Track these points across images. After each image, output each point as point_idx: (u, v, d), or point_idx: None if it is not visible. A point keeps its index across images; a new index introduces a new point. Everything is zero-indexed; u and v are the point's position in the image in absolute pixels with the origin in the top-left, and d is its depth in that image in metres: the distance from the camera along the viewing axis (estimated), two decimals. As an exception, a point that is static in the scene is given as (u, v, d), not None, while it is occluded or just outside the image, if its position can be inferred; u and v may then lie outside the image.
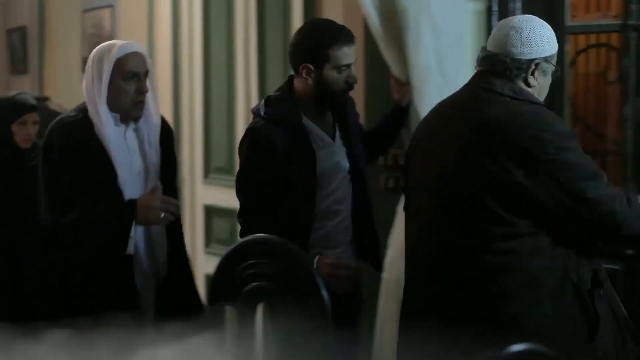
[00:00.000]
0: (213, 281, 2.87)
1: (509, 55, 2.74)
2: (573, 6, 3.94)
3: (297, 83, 3.40)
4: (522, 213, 2.65)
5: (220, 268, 2.84)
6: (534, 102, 2.75)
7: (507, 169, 2.62)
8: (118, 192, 3.23)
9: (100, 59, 3.26)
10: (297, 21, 4.85)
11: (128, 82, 3.25)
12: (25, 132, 4.57)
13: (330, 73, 3.30)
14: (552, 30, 2.82)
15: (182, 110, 5.96)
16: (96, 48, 3.33)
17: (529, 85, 2.77)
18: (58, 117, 3.39)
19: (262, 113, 3.37)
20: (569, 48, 3.84)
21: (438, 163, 2.79)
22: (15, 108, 4.58)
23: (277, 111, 3.36)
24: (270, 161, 3.28)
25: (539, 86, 2.81)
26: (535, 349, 2.06)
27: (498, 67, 2.76)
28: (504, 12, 3.80)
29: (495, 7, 3.90)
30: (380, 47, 3.72)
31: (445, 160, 2.75)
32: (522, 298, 2.66)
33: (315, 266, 3.09)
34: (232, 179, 5.41)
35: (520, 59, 2.74)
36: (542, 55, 2.76)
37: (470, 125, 2.73)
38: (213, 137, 5.74)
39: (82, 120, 3.27)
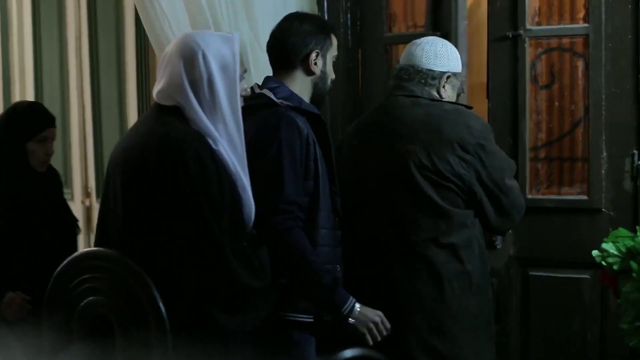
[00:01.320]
0: (47, 298, 2.83)
1: (425, 66, 3.08)
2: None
3: (291, 77, 3.06)
4: (459, 204, 2.99)
5: (54, 284, 2.80)
6: (452, 103, 3.10)
7: (445, 160, 2.96)
8: None
9: None
10: (129, 29, 4.82)
11: None
12: (43, 153, 3.65)
13: (329, 63, 3.10)
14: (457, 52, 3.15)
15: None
16: None
17: (440, 96, 3.07)
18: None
19: (279, 100, 2.97)
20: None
21: (376, 164, 3.06)
22: (34, 121, 3.65)
23: (298, 99, 3.01)
24: (308, 153, 2.94)
25: (448, 99, 3.09)
26: (368, 354, 2.13)
27: (414, 76, 3.09)
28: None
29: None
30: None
31: (383, 162, 3.04)
32: (457, 287, 3.00)
33: (352, 318, 2.83)
34: (68, 192, 5.37)
35: (435, 70, 3.09)
36: (453, 70, 3.11)
37: (398, 127, 3.05)
38: (47, 148, 5.63)
39: None
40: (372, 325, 2.84)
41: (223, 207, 2.66)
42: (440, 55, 3.12)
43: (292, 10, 3.54)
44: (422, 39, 3.19)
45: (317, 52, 3.04)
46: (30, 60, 5.67)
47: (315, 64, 3.05)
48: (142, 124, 2.82)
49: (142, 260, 2.66)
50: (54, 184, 3.80)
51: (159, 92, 2.75)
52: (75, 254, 2.81)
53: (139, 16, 4.59)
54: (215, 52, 2.70)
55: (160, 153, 2.64)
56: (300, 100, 3.02)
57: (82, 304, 2.75)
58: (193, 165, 2.61)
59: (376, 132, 3.15)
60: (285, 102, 2.96)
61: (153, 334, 2.66)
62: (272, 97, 2.97)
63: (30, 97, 5.68)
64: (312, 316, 2.95)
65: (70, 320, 2.79)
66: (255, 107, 2.93)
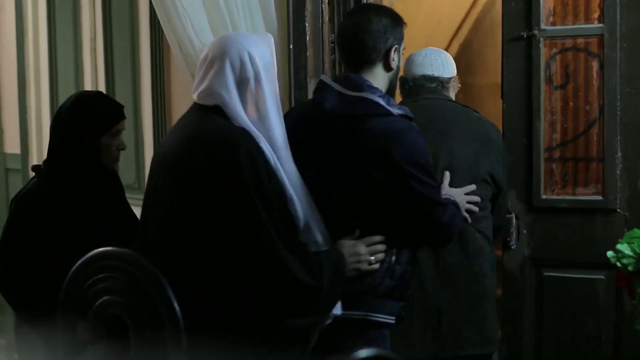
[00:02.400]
0: (63, 297, 2.84)
1: (437, 74, 3.59)
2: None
3: (372, 74, 2.98)
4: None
5: (69, 284, 2.81)
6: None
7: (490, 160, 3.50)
8: None
9: None
10: (144, 30, 4.84)
11: None
12: (115, 148, 3.37)
13: (398, 57, 3.04)
14: None
15: (29, 122, 5.86)
16: None
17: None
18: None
19: (390, 107, 2.91)
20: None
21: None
22: (108, 112, 3.37)
23: (403, 108, 2.98)
24: None
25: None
26: (383, 354, 2.13)
27: (434, 82, 3.60)
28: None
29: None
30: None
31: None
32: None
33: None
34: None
35: (444, 77, 3.61)
36: (455, 75, 3.66)
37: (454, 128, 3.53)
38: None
39: None
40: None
41: (273, 202, 2.67)
42: (446, 63, 3.64)
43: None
44: (420, 51, 3.64)
45: (396, 47, 2.99)
46: (45, 61, 5.70)
47: (393, 59, 3.00)
48: (186, 124, 2.83)
49: (192, 260, 2.68)
50: (120, 185, 3.57)
51: (202, 92, 2.76)
52: (90, 253, 2.81)
53: (153, 17, 4.64)
54: (259, 52, 2.74)
55: (212, 151, 2.66)
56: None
57: (96, 303, 2.76)
58: (244, 160, 2.62)
59: (440, 134, 3.44)
60: (397, 111, 2.92)
61: (167, 334, 2.67)
62: (386, 105, 2.90)
63: (45, 98, 5.72)
64: (394, 317, 2.98)
65: (85, 320, 2.80)
66: (364, 115, 2.89)
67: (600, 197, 3.76)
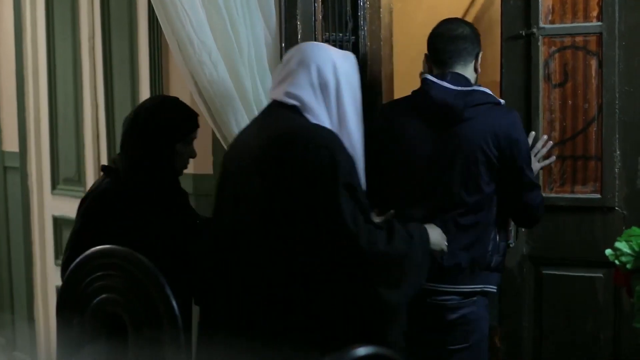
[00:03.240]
0: (61, 295, 2.84)
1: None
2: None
3: (470, 74, 3.45)
4: None
5: (67, 282, 2.81)
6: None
7: None
8: None
9: None
10: (142, 29, 4.83)
11: None
12: (187, 156, 3.39)
13: None
14: None
15: (28, 121, 5.85)
16: None
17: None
18: None
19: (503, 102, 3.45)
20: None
21: None
22: (186, 119, 3.37)
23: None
24: None
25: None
26: (381, 352, 2.13)
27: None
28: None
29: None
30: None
31: None
32: None
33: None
34: (81, 190, 5.39)
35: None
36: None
37: None
38: (61, 148, 5.65)
39: None
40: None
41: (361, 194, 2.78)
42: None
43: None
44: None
45: (481, 53, 3.44)
46: (43, 60, 5.69)
47: (479, 62, 3.46)
48: (267, 120, 2.97)
49: (278, 251, 2.75)
50: (184, 191, 3.57)
51: (287, 92, 2.90)
52: (88, 251, 2.81)
53: (152, 15, 4.62)
54: (343, 65, 2.93)
55: (301, 144, 2.77)
56: None
57: (94, 301, 2.76)
58: (338, 155, 2.75)
59: None
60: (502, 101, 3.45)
61: (166, 332, 2.67)
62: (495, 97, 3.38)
63: (43, 97, 5.71)
64: (495, 287, 3.46)
65: (83, 318, 2.80)
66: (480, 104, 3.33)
67: (598, 196, 3.76)
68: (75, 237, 3.33)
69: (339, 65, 2.91)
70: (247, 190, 2.84)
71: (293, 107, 2.88)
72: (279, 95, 2.92)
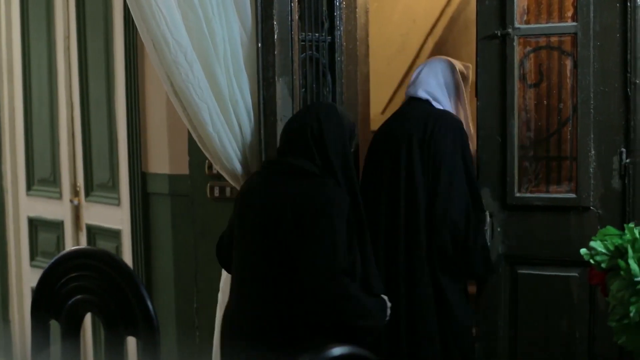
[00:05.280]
0: (35, 296, 2.82)
1: None
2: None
3: None
4: None
5: (42, 283, 2.80)
6: None
7: None
8: None
9: None
10: (118, 28, 4.81)
11: None
12: None
13: None
14: None
15: (3, 121, 5.81)
16: None
17: None
18: None
19: None
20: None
21: None
22: (353, 127, 3.53)
23: None
24: None
25: None
26: (357, 352, 2.12)
27: None
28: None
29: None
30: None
31: None
32: None
33: None
34: (56, 191, 5.36)
35: None
36: None
37: None
38: (36, 148, 5.62)
39: None
40: None
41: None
42: None
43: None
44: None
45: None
46: (18, 59, 5.66)
47: None
48: (411, 111, 4.02)
49: None
50: None
51: (427, 91, 4.01)
52: (63, 252, 2.80)
53: (127, 15, 4.61)
54: (456, 70, 4.10)
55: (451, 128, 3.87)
56: None
57: (69, 302, 2.74)
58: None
59: None
60: None
61: (141, 332, 2.66)
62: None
63: (18, 97, 5.68)
64: None
65: (57, 318, 2.78)
66: None
67: (574, 195, 3.78)
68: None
69: (456, 71, 4.07)
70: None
71: (426, 101, 4.00)
72: (415, 92, 4.04)
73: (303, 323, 3.13)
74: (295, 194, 3.19)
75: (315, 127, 3.28)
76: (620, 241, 2.93)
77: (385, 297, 3.34)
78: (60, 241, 5.43)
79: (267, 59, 3.75)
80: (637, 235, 2.89)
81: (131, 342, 3.03)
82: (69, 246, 5.30)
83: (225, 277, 3.89)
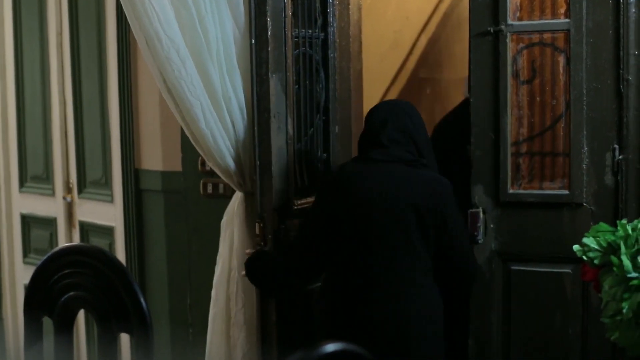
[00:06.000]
0: (28, 293, 2.82)
1: None
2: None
3: None
4: None
5: (34, 280, 2.79)
6: None
7: None
8: None
9: None
10: (110, 25, 4.81)
11: None
12: None
13: None
14: None
15: (-5, 118, 5.81)
16: None
17: None
18: None
19: None
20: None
21: None
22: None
23: None
24: None
25: None
26: (349, 349, 2.12)
27: None
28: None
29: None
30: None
31: None
32: None
33: None
34: (49, 188, 5.35)
35: None
36: None
37: None
38: (28, 145, 5.61)
39: None
40: None
41: None
42: None
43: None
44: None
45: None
46: (11, 56, 5.65)
47: None
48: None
49: None
50: None
51: None
52: (56, 249, 2.79)
53: (120, 11, 4.60)
54: None
55: None
56: None
57: (62, 299, 2.74)
58: None
59: None
60: None
61: (134, 329, 2.66)
62: None
63: (11, 93, 5.66)
64: None
65: (50, 315, 2.78)
66: None
67: (566, 192, 3.78)
68: None
69: None
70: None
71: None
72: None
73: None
74: (417, 182, 3.37)
75: (409, 121, 3.44)
76: (613, 237, 2.94)
77: None
78: (53, 238, 5.42)
79: (260, 55, 3.74)
80: (630, 231, 2.90)
81: (124, 338, 3.03)
82: (62, 243, 5.29)
83: (219, 274, 3.88)
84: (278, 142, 3.77)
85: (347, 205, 3.37)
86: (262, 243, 3.74)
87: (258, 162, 3.75)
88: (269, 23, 3.73)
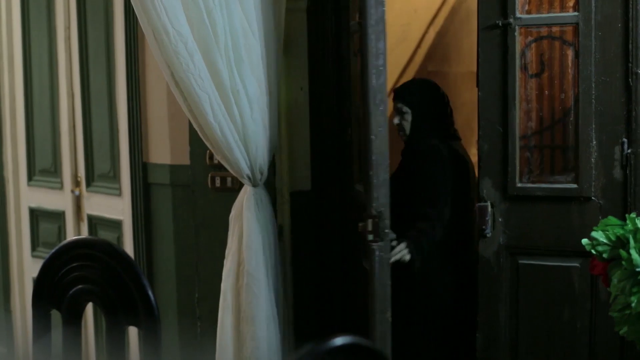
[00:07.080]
0: (36, 286, 2.82)
1: None
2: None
3: None
4: None
5: (43, 272, 2.79)
6: None
7: None
8: None
9: None
10: (118, 18, 4.81)
11: None
12: None
13: None
14: None
15: (4, 111, 5.81)
16: None
17: None
18: None
19: None
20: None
21: None
22: None
23: None
24: None
25: None
26: (358, 342, 2.12)
27: None
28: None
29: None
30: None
31: None
32: None
33: None
34: (57, 181, 5.36)
35: None
36: None
37: None
38: (37, 138, 5.61)
39: None
40: None
41: None
42: None
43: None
44: None
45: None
46: (19, 49, 5.65)
47: None
48: None
49: None
50: None
51: None
52: (64, 242, 2.80)
53: (128, 5, 4.60)
54: None
55: None
56: None
57: (70, 292, 2.74)
58: None
59: None
60: None
61: (142, 322, 2.66)
62: None
63: (19, 87, 5.67)
64: None
65: (58, 308, 2.78)
66: None
67: (575, 185, 3.77)
68: None
69: None
70: None
71: None
72: None
73: None
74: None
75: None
76: (621, 231, 2.94)
77: None
78: (61, 231, 5.43)
79: (377, 46, 3.62)
80: (639, 225, 2.89)
81: (132, 331, 3.03)
82: (70, 236, 5.30)
83: (228, 268, 3.88)
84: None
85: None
86: (376, 239, 3.55)
87: (374, 157, 3.54)
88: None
